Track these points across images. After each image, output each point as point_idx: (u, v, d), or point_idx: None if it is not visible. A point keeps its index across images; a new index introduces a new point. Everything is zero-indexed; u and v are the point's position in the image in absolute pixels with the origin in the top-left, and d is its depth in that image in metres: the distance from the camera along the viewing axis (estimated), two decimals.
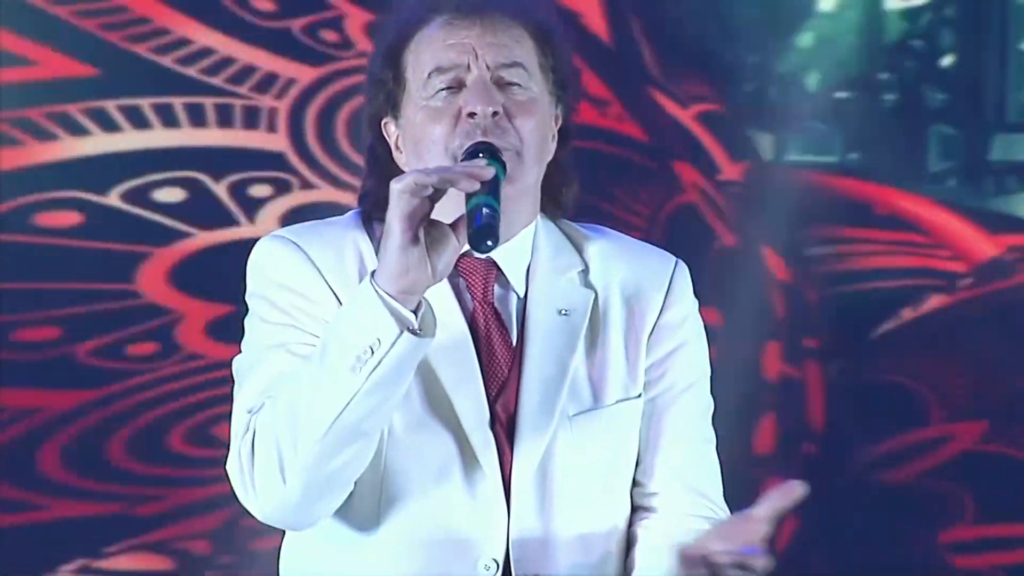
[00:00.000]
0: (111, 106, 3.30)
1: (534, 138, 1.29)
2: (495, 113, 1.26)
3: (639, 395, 1.35)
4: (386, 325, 1.14)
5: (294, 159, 3.38)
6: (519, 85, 1.30)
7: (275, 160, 3.37)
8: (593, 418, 1.32)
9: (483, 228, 1.15)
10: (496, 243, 1.16)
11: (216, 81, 3.34)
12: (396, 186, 1.15)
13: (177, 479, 3.32)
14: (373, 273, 1.17)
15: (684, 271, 1.41)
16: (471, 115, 1.26)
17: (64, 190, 3.30)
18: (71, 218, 3.31)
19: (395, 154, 1.34)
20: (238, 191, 3.35)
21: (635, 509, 1.36)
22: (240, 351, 1.32)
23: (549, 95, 1.33)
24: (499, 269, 1.32)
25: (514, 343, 1.31)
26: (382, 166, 1.34)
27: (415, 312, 1.15)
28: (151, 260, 3.33)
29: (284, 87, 3.37)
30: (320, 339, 1.21)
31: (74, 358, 3.29)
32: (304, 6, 3.37)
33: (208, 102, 3.34)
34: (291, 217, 3.30)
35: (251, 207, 3.35)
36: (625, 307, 1.36)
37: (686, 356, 1.38)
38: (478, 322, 1.31)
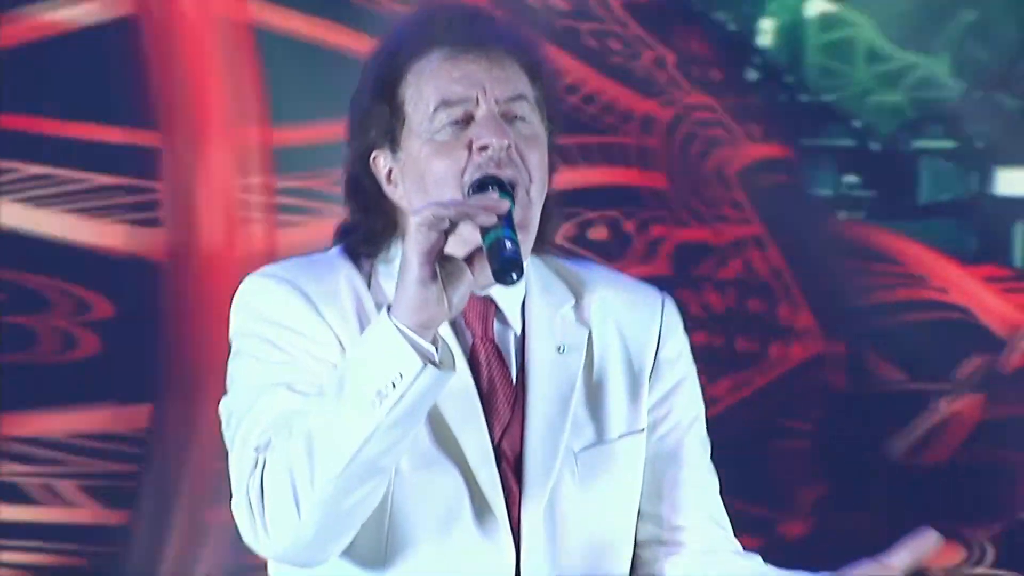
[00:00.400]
0: None
1: (540, 173, 1.29)
2: (507, 147, 1.26)
3: (642, 429, 1.35)
4: (408, 359, 1.14)
5: (670, 196, 3.51)
6: (524, 119, 1.29)
7: (657, 197, 3.50)
8: (598, 454, 1.32)
9: (511, 260, 1.15)
10: (521, 275, 1.16)
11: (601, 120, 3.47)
12: (416, 220, 1.15)
13: None
14: (389, 307, 1.17)
15: (673, 305, 1.42)
16: (483, 148, 1.25)
17: None
18: None
19: (387, 188, 1.32)
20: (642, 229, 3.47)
21: (655, 544, 1.36)
22: (226, 392, 1.29)
23: (544, 129, 1.33)
24: (496, 306, 1.32)
25: (514, 380, 1.31)
26: (369, 200, 1.33)
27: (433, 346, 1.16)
28: None
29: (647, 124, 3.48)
30: (335, 373, 1.20)
31: None
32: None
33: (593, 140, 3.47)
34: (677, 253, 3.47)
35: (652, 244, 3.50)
36: (620, 343, 1.36)
37: (687, 391, 1.40)
38: (479, 359, 1.30)
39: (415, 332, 1.14)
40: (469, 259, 1.19)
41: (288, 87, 3.35)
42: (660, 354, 1.38)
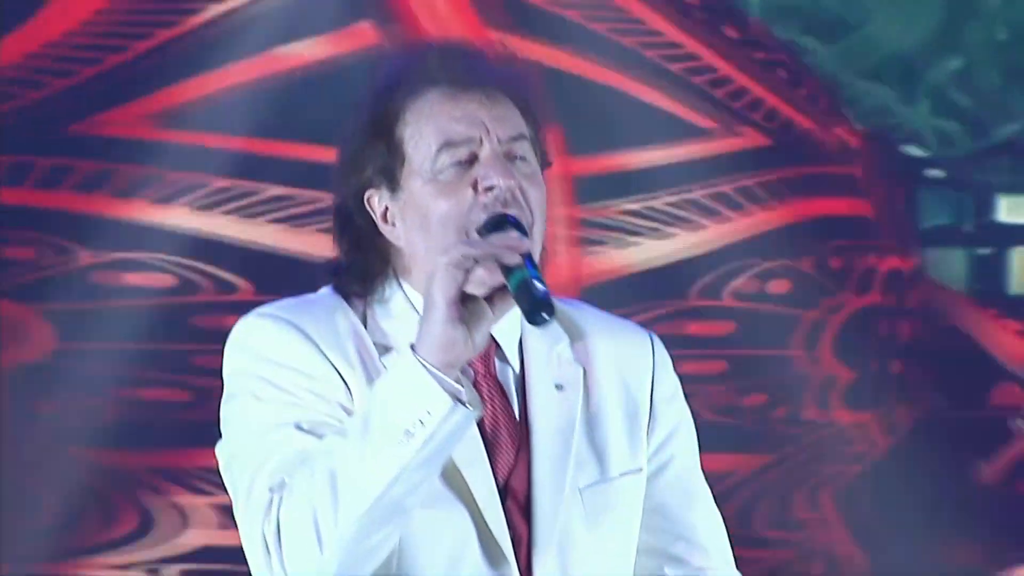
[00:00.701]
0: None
1: (541, 211, 1.29)
2: (514, 187, 1.26)
3: (640, 469, 1.34)
4: (437, 398, 1.14)
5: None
6: (524, 158, 1.29)
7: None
8: (601, 491, 1.31)
9: (543, 301, 1.16)
10: (553, 315, 1.16)
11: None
12: (443, 260, 1.16)
13: None
14: (412, 346, 1.17)
15: (661, 344, 1.42)
16: (489, 189, 1.25)
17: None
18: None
19: (383, 227, 1.31)
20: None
21: None
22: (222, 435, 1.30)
23: (540, 167, 1.33)
24: (496, 343, 1.31)
25: (517, 418, 1.31)
26: (362, 239, 1.32)
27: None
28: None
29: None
30: (358, 413, 1.21)
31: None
32: None
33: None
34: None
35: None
36: (614, 381, 1.35)
37: (686, 431, 1.41)
38: (482, 396, 1.28)
39: (441, 371, 1.15)
40: (490, 298, 1.20)
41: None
42: (656, 394, 1.38)
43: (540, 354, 1.32)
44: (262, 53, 3.57)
